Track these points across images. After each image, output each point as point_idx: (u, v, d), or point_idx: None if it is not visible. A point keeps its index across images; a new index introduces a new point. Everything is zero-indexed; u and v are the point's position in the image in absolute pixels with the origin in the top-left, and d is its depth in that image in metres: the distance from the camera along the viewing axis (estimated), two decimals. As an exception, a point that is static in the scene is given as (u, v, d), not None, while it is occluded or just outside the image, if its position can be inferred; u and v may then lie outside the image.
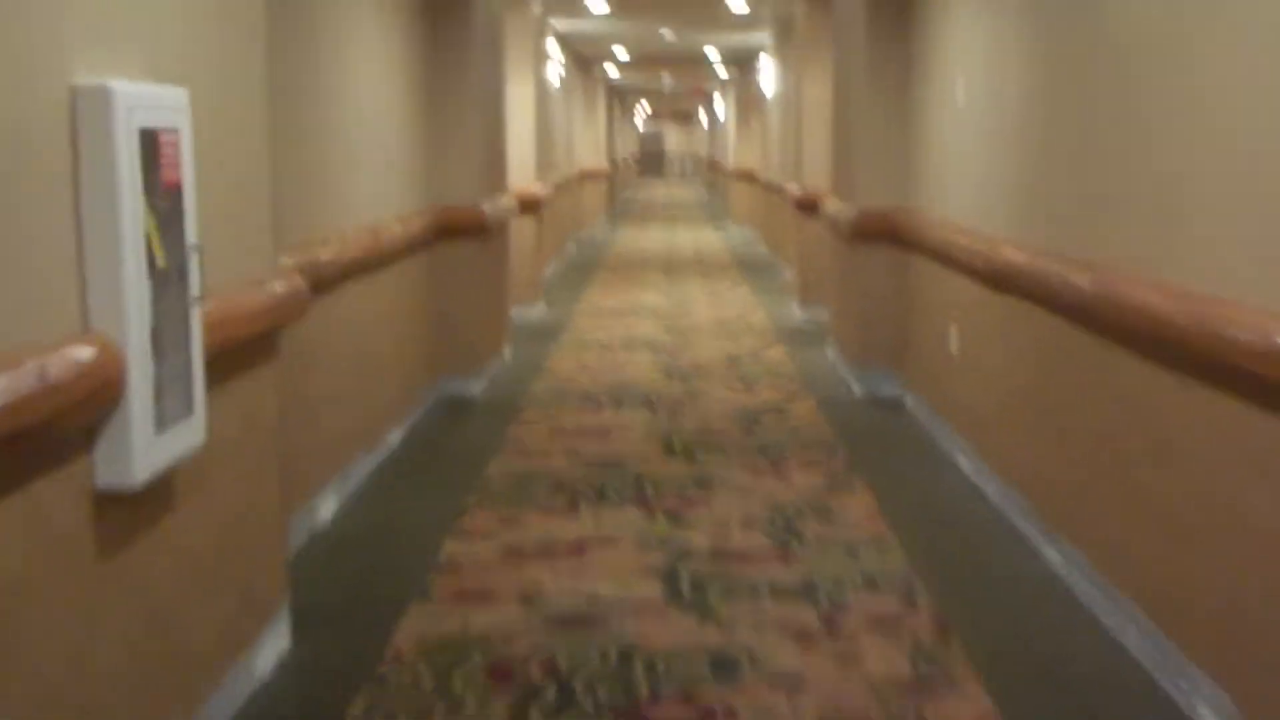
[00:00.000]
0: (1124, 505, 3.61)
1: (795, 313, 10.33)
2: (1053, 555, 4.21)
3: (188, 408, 2.42)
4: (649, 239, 18.67)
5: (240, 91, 3.03)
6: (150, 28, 2.50)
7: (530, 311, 10.17)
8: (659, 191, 37.10)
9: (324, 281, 4.56)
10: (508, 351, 8.20)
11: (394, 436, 5.86)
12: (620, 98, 31.70)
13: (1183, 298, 3.11)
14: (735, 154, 20.91)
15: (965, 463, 5.42)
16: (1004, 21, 4.94)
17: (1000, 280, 4.83)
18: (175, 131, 2.39)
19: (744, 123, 20.26)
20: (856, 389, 7.07)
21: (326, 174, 4.83)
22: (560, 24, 13.45)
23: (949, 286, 5.76)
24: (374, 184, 5.53)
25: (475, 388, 7.06)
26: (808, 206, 10.02)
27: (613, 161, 26.53)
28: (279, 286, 3.13)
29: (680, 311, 10.50)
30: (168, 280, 2.35)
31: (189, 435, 2.44)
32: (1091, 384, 3.89)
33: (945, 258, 5.74)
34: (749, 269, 14.04)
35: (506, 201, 7.91)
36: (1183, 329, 3.06)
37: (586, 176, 18.73)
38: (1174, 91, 3.29)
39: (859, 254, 6.98)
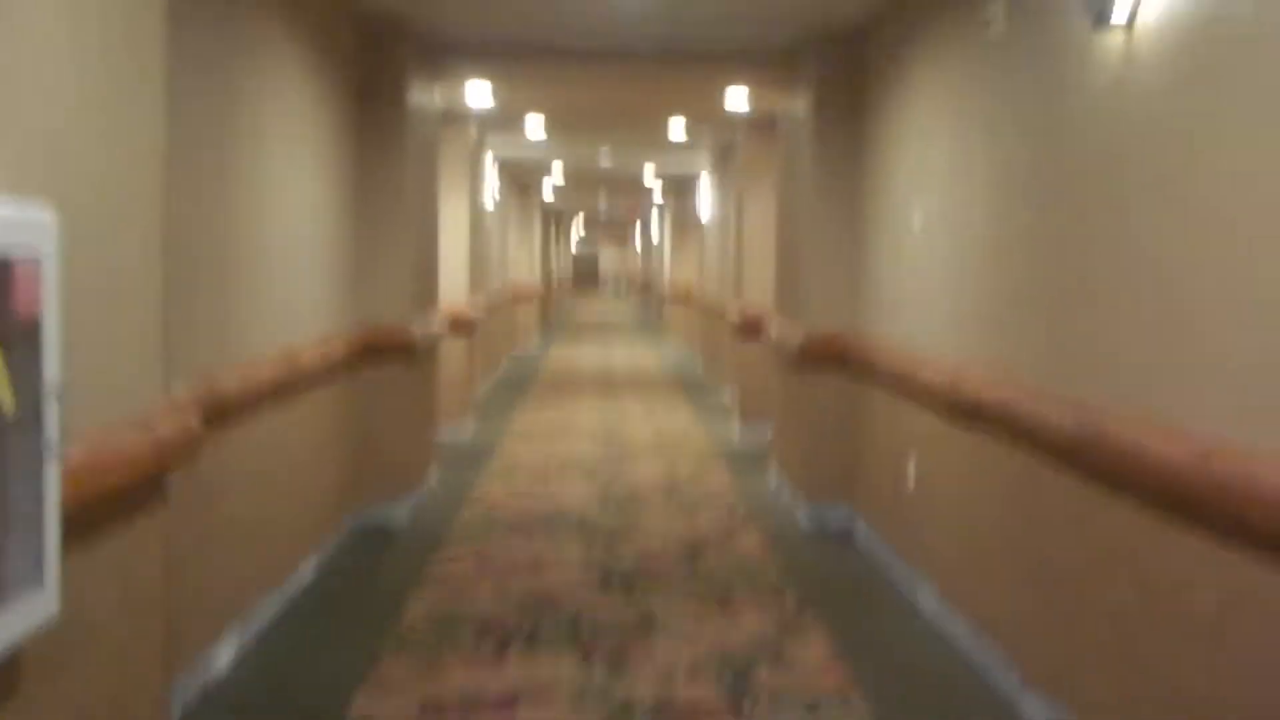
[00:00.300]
0: (1115, 660, 3.27)
1: (735, 433, 10.02)
2: (1034, 709, 3.85)
3: (36, 576, 2.01)
4: (584, 357, 18.39)
5: (129, 207, 2.67)
6: (12, 137, 2.15)
7: (460, 433, 9.76)
8: (594, 308, 37.03)
9: (229, 411, 4.16)
10: (434, 476, 7.77)
11: (305, 571, 5.40)
12: (556, 218, 31.74)
13: (1183, 439, 2.82)
14: (671, 274, 20.84)
15: (928, 604, 5.07)
16: (968, 144, 4.75)
17: (965, 414, 4.55)
18: (34, 259, 2.02)
19: (680, 244, 20.23)
20: (804, 520, 6.72)
21: (238, 295, 4.46)
22: (498, 146, 13.32)
23: (906, 416, 5.48)
24: (292, 303, 5.16)
25: (398, 516, 6.61)
26: (749, 329, 9.79)
27: (547, 280, 26.37)
28: (166, 426, 2.73)
29: (618, 430, 10.15)
30: (18, 429, 1.96)
31: (37, 609, 2.02)
32: (1074, 528, 3.57)
33: (902, 387, 5.47)
34: (687, 388, 13.77)
35: (437, 321, 7.57)
36: (1185, 475, 2.77)
37: (521, 295, 18.50)
38: (1171, 205, 3.05)
39: (806, 378, 6.71)
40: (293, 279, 5.19)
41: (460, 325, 9.72)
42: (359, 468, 6.45)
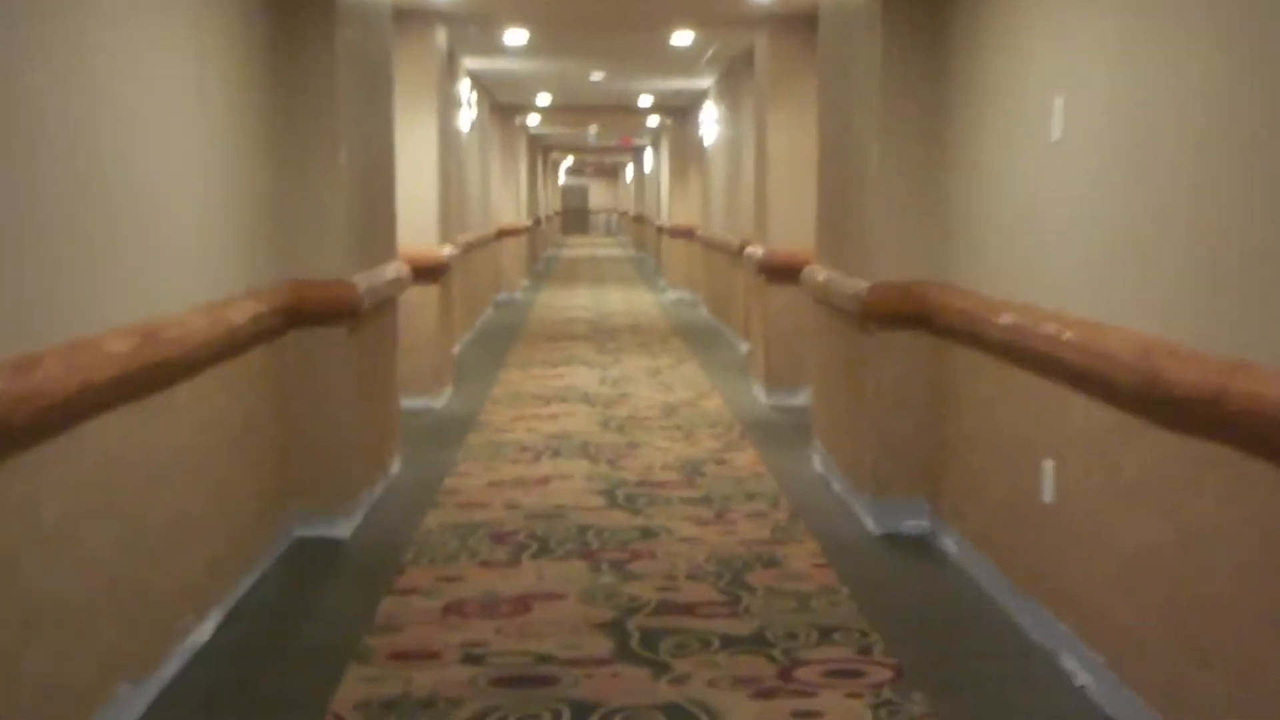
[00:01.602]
0: None
1: (759, 398, 8.50)
2: None
3: None
4: (576, 302, 16.81)
5: None
6: None
7: (434, 400, 8.22)
8: (584, 249, 35.34)
9: (51, 417, 2.63)
10: (396, 465, 6.24)
11: (198, 634, 3.88)
12: (544, 151, 29.98)
13: None
14: (670, 210, 19.21)
15: (1077, 669, 3.59)
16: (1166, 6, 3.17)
17: (1161, 406, 3.02)
18: None
19: (679, 176, 18.58)
20: (869, 521, 5.22)
21: (60, 254, 2.90)
22: (475, 63, 11.64)
23: (1041, 402, 3.92)
24: (159, 261, 3.59)
25: (342, 528, 5.09)
26: (776, 273, 8.23)
27: (535, 218, 24.71)
28: None
29: (617, 396, 8.61)
30: None
31: None
32: None
33: (1032, 360, 3.92)
34: (693, 338, 12.22)
35: (395, 271, 6.01)
36: None
37: (505, 234, 16.88)
38: None
39: (869, 340, 5.18)
40: (163, 227, 3.62)
41: (429, 271, 8.15)
42: (288, 470, 4.92)
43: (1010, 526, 4.20)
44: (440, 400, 8.31)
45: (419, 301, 8.17)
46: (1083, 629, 3.58)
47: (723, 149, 12.74)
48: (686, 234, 16.74)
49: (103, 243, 3.19)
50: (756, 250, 8.53)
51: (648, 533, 5.13)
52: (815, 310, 6.42)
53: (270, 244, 4.78)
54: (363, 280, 5.17)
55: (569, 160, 40.80)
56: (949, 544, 4.84)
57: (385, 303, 5.85)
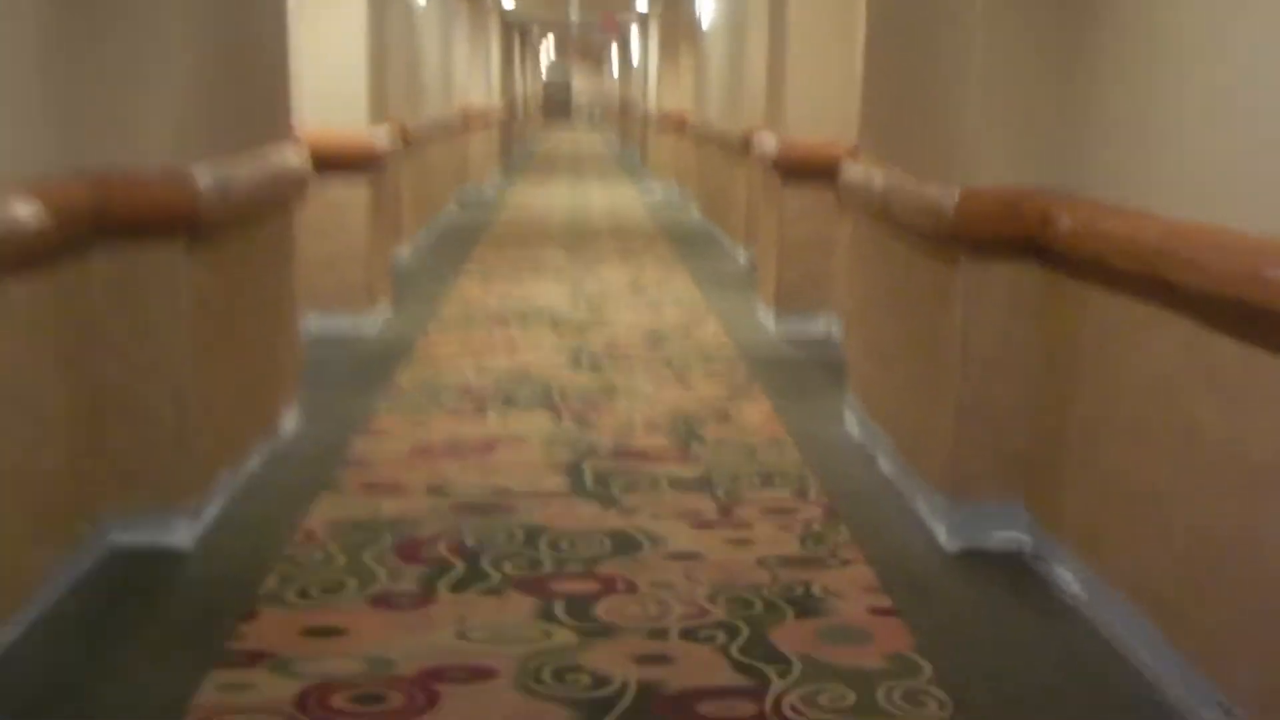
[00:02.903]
0: None
1: (767, 325, 6.91)
2: None
3: None
4: (551, 198, 15.05)
5: None
6: None
7: (364, 325, 6.61)
8: (565, 139, 33.31)
9: None
10: (291, 421, 4.65)
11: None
12: (521, 33, 27.85)
13: None
14: (658, 99, 17.36)
15: None
16: None
17: None
18: None
19: (670, 59, 16.71)
20: (942, 531, 3.68)
21: None
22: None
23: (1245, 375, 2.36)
24: None
25: (182, 533, 3.48)
26: (795, 169, 6.57)
27: (510, 103, 22.76)
28: None
29: (592, 320, 7.01)
30: None
31: None
32: None
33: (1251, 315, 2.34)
34: (683, 243, 10.56)
35: (284, 161, 4.35)
36: None
37: (473, 119, 15.06)
38: None
39: (955, 275, 3.56)
40: None
41: (356, 160, 6.47)
42: (96, 451, 3.32)
43: (1196, 579, 2.65)
44: (373, 322, 6.69)
45: (343, 199, 6.51)
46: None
47: (724, 23, 10.94)
48: (676, 124, 14.95)
49: None
50: (768, 142, 6.85)
51: (624, 542, 3.58)
52: (857, 223, 4.79)
53: (57, 112, 3.13)
54: (210, 173, 3.52)
55: (550, 42, 38.55)
56: (1066, 577, 3.30)
57: (265, 204, 4.20)
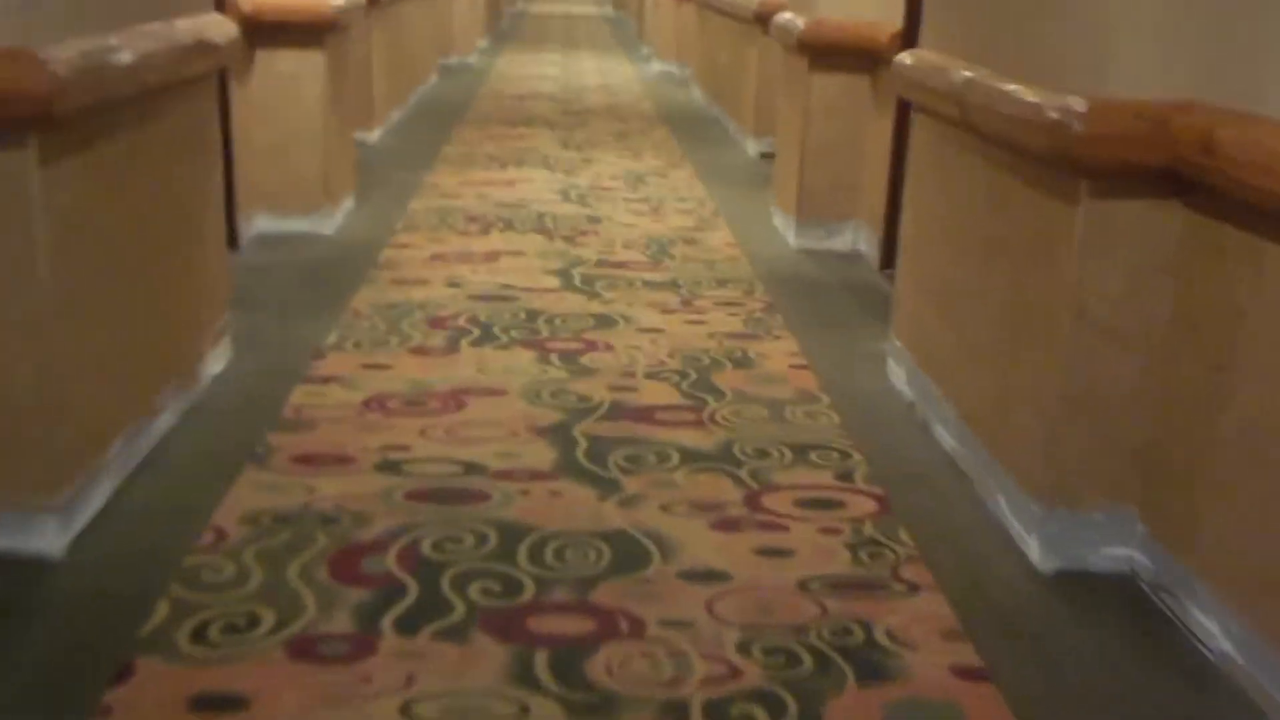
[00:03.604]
0: None
1: (786, 236, 6.02)
2: None
3: None
4: (542, 72, 13.91)
5: None
6: None
7: (319, 224, 5.70)
8: (557, 6, 31.70)
9: None
10: (219, 359, 3.79)
11: None
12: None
13: None
14: (656, -39, 16.06)
15: None
16: None
17: None
18: None
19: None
20: (1033, 548, 2.86)
21: None
22: None
23: None
24: None
25: (51, 537, 2.63)
26: (826, 53, 5.62)
27: (499, -35, 21.32)
28: None
29: (586, 222, 6.10)
30: None
31: None
32: None
33: None
34: (685, 129, 9.57)
35: (196, 30, 3.42)
36: None
37: (457, -18, 13.83)
38: None
39: (1073, 214, 2.69)
40: None
41: (306, 29, 5.49)
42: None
43: None
44: (331, 221, 5.78)
45: (293, 75, 5.55)
46: None
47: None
48: (677, -7, 13.74)
49: None
50: (792, 21, 5.87)
51: (631, 548, 2.78)
52: (920, 126, 3.88)
53: None
54: (74, 53, 2.60)
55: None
56: (1207, 624, 2.51)
57: (168, 90, 3.28)
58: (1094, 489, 2.80)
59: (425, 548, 2.74)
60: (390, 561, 2.68)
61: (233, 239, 5.20)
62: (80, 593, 2.54)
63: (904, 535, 2.91)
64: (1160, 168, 2.58)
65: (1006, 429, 3.05)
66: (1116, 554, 2.79)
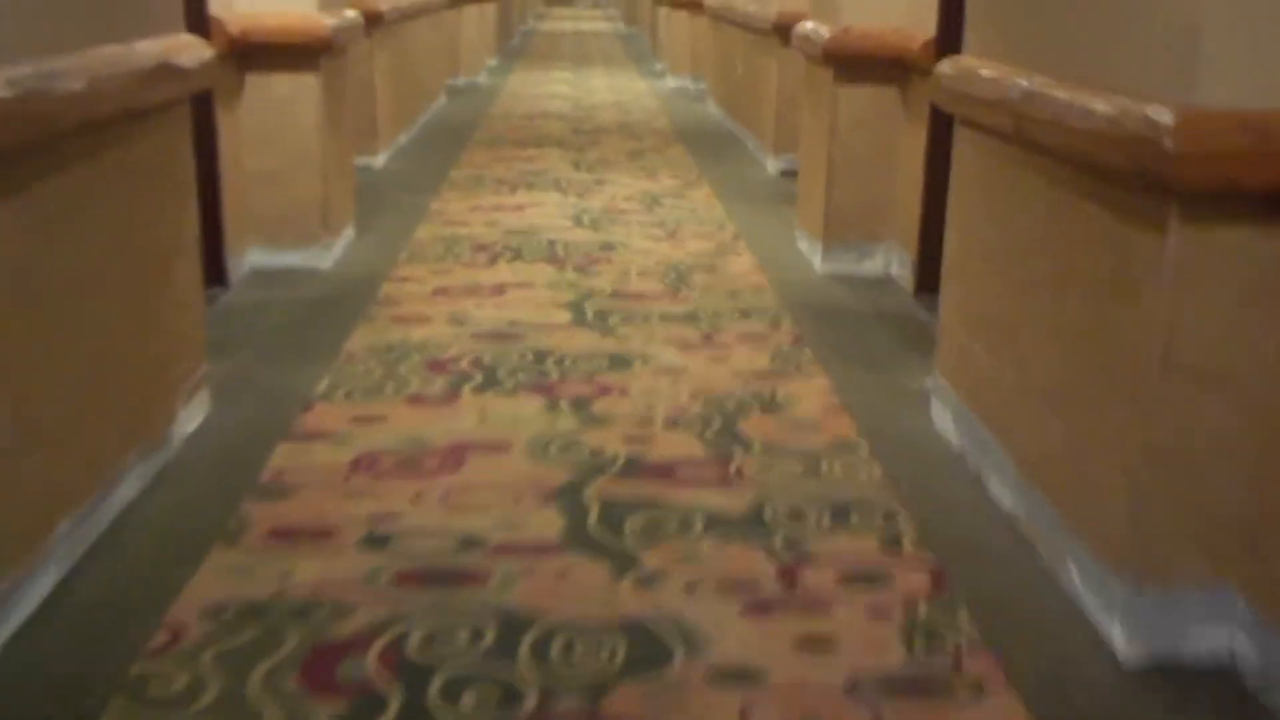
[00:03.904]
0: None
1: (812, 259, 5.65)
2: None
3: None
4: (553, 90, 13.57)
5: None
6: None
7: (316, 259, 5.35)
8: (567, 23, 31.43)
9: None
10: (193, 415, 3.42)
11: None
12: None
13: None
14: (668, -26, 15.72)
15: None
16: None
17: None
18: None
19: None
20: (1116, 633, 2.45)
21: None
22: None
23: None
24: None
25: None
26: (854, 64, 5.25)
27: (510, -18, 21.04)
28: None
29: (599, 250, 5.73)
30: None
31: None
32: None
33: None
34: (701, 146, 9.20)
35: (165, 51, 3.08)
36: None
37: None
38: None
39: (1160, 246, 2.28)
40: None
41: (300, 51, 5.15)
42: None
43: None
44: (328, 254, 5.42)
45: (287, 99, 5.21)
46: None
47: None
48: (690, 4, 13.42)
49: None
50: (816, 30, 5.50)
51: (649, 641, 2.40)
52: (966, 142, 3.49)
53: None
54: (7, 79, 2.26)
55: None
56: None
57: (129, 118, 2.94)
58: (1186, 561, 2.41)
59: (412, 646, 2.36)
60: (370, 665, 2.30)
61: (221, 276, 4.88)
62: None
63: (964, 619, 2.52)
64: (1265, 188, 2.20)
65: (1080, 489, 2.66)
66: (1214, 640, 2.40)
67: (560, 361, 4.11)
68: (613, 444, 3.40)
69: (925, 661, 2.36)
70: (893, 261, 5.36)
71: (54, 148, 2.57)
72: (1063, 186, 2.75)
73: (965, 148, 3.45)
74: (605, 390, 3.84)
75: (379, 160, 7.87)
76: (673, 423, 3.57)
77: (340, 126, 5.74)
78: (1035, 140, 2.80)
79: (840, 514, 2.99)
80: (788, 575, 2.69)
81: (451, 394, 3.77)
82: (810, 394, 3.86)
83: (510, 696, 2.22)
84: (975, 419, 3.30)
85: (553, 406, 3.69)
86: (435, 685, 2.24)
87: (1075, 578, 2.63)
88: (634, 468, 3.25)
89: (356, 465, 3.23)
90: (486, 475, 3.19)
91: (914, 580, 2.68)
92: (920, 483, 3.21)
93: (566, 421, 3.56)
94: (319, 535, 2.82)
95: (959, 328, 3.52)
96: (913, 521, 2.97)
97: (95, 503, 2.76)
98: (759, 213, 6.74)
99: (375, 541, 2.80)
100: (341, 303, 4.80)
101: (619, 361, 4.13)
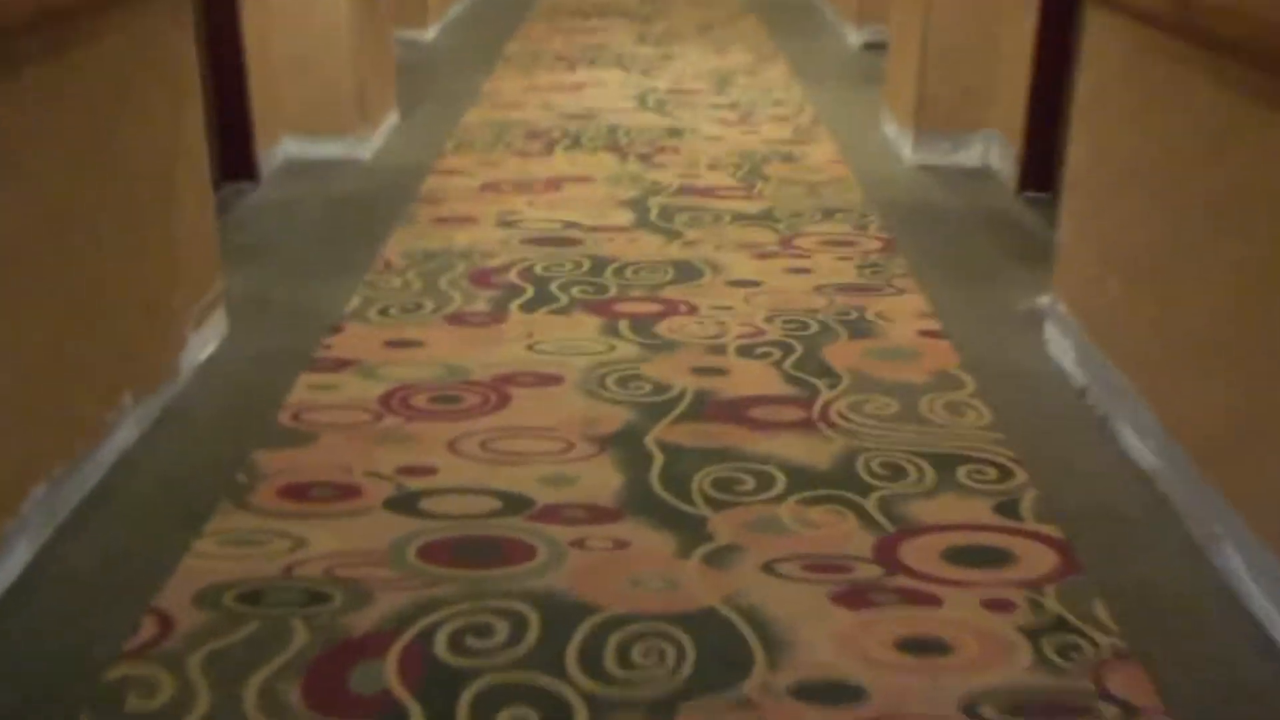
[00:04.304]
0: None
1: (901, 148, 5.09)
2: None
3: None
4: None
5: None
6: None
7: (355, 148, 4.90)
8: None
9: None
10: (208, 341, 3.04)
11: None
12: None
13: None
14: None
15: None
16: None
17: None
18: None
19: None
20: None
21: None
22: None
23: None
24: None
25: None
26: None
27: None
28: None
29: (666, 135, 5.21)
30: None
31: None
32: None
33: None
34: (776, 15, 8.52)
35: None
36: None
37: None
38: None
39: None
40: None
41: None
42: None
43: None
44: (368, 144, 4.97)
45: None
46: None
47: None
48: None
49: None
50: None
51: (719, 637, 2.00)
52: (1104, 29, 2.92)
53: None
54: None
55: None
56: None
57: (90, 4, 2.49)
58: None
59: (440, 644, 1.99)
60: (389, 671, 1.93)
61: (250, 169, 4.47)
62: (-38, 727, 1.85)
63: (1101, 612, 2.09)
64: None
65: (1244, 456, 2.19)
66: None
67: (620, 271, 3.67)
68: (679, 376, 2.97)
69: (1059, 673, 1.94)
70: (992, 153, 4.80)
71: (21, 35, 2.15)
72: (1241, 91, 2.21)
73: (1103, 35, 2.89)
74: (671, 309, 3.40)
75: (429, 33, 7.35)
76: (747, 350, 3.13)
77: (376, 2, 5.23)
78: (1205, 29, 2.26)
79: (945, 468, 2.55)
80: (886, 552, 2.26)
81: (497, 312, 3.36)
82: (904, 314, 3.38)
83: (554, 715, 1.84)
84: (1104, 357, 2.82)
85: (611, 328, 3.26)
86: (465, 698, 1.87)
87: (1233, 562, 2.18)
88: (702, 406, 2.82)
89: (387, 402, 2.83)
90: (534, 416, 2.78)
91: (1037, 557, 2.25)
92: (1038, 430, 2.75)
93: (626, 348, 3.14)
94: (338, 494, 2.44)
95: (1083, 248, 3.01)
96: (1030, 480, 2.52)
97: (77, 461, 2.39)
98: (840, 93, 6.15)
99: (403, 501, 2.41)
100: (379, 200, 4.37)
101: (686, 271, 3.67)
